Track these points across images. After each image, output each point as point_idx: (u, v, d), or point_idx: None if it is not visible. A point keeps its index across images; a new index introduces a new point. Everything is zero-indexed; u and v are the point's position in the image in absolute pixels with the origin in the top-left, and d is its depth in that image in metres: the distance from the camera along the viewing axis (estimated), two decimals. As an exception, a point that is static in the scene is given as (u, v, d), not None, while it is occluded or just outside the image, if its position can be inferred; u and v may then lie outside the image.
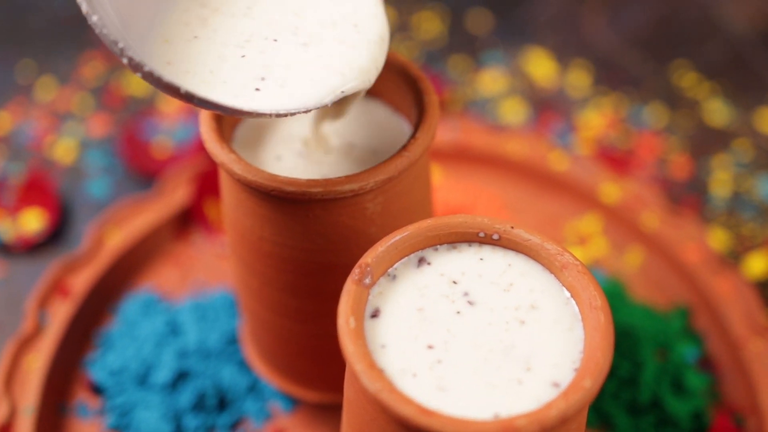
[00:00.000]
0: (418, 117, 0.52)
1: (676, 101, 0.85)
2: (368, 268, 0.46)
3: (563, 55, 0.90)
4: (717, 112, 0.84)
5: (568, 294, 0.47)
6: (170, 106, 0.84)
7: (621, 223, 0.74)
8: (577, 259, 0.47)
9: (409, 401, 0.42)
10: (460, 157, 0.78)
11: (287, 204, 0.50)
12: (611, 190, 0.75)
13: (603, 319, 0.44)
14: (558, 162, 0.77)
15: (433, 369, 0.44)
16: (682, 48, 0.90)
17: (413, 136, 0.51)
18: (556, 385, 0.44)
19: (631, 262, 0.72)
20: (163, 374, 0.63)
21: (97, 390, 0.65)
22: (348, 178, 0.49)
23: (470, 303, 0.46)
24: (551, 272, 0.47)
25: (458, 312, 0.46)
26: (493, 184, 0.78)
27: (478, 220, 0.48)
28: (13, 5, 0.95)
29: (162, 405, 0.62)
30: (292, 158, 0.53)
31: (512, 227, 0.48)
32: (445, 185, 0.77)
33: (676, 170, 0.79)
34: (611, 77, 0.87)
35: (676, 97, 0.86)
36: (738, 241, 0.74)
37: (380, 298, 0.46)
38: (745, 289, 0.68)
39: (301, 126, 0.55)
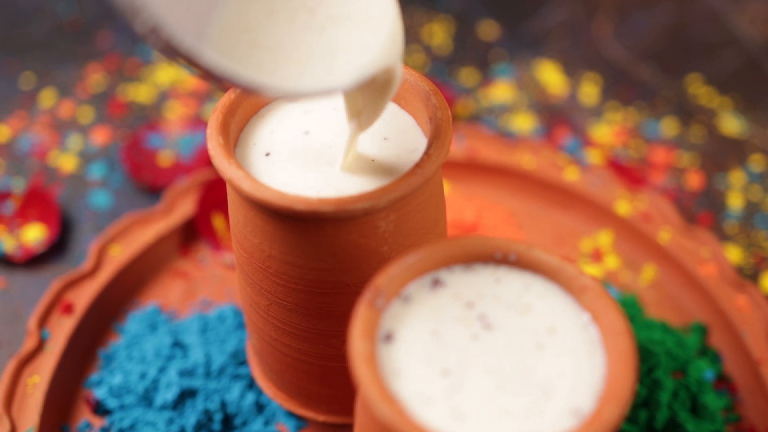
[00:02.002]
0: (432, 132, 0.50)
1: (689, 114, 0.84)
2: (381, 290, 0.45)
3: (573, 67, 0.88)
4: (731, 124, 0.83)
5: (587, 317, 0.45)
6: (175, 114, 0.83)
7: (634, 237, 0.72)
8: (596, 281, 0.45)
9: (423, 430, 0.40)
10: (470, 169, 0.77)
11: (297, 222, 0.49)
12: (624, 204, 0.73)
13: (625, 344, 0.43)
14: (570, 175, 0.75)
15: (448, 395, 0.43)
16: (694, 60, 0.89)
17: (426, 152, 0.49)
18: (576, 412, 0.42)
19: (646, 277, 0.71)
20: (167, 393, 0.62)
21: (99, 409, 0.63)
22: (360, 197, 0.47)
23: (486, 327, 0.45)
24: (570, 294, 0.46)
25: (474, 336, 0.44)
26: (503, 197, 0.76)
27: (494, 241, 0.47)
28: (15, 12, 0.94)
29: (166, 425, 0.61)
30: (283, 157, 0.52)
31: (530, 248, 0.46)
32: (455, 198, 0.75)
33: (690, 184, 0.78)
34: (622, 90, 0.86)
35: (689, 110, 0.84)
36: (754, 256, 0.73)
37: (393, 321, 0.45)
38: (764, 306, 0.66)
39: (292, 123, 0.53)
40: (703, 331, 0.67)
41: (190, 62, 0.43)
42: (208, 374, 0.63)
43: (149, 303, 0.69)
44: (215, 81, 0.44)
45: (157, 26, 0.41)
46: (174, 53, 0.42)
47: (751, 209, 0.76)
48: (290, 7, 0.48)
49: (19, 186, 0.77)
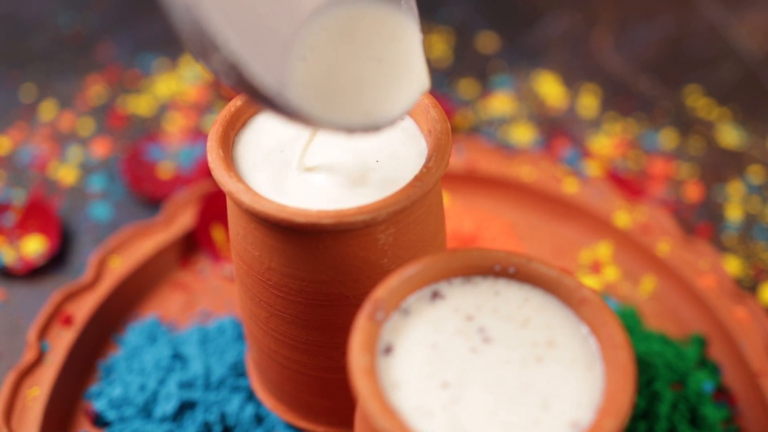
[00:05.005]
0: (431, 145, 0.51)
1: (688, 125, 0.84)
2: (380, 303, 0.45)
3: (572, 78, 0.89)
4: (730, 136, 0.83)
5: (586, 330, 0.45)
6: (175, 126, 0.83)
7: (633, 249, 0.72)
8: (595, 294, 0.45)
9: (423, 443, 0.40)
10: (469, 181, 0.77)
11: (297, 235, 0.49)
12: (623, 215, 0.73)
13: (624, 357, 0.43)
14: (569, 187, 0.75)
15: (447, 408, 0.43)
16: (693, 71, 0.89)
17: (426, 165, 0.49)
18: (575, 425, 0.42)
19: (645, 289, 0.71)
20: (167, 405, 0.62)
21: (99, 421, 0.63)
22: (360, 209, 0.47)
23: (486, 340, 0.45)
24: (569, 307, 0.46)
25: (474, 349, 0.44)
26: (502, 209, 0.76)
27: (493, 253, 0.47)
28: (16, 24, 0.94)
29: (166, 437, 0.61)
30: (266, 169, 0.52)
31: (529, 260, 0.46)
32: (454, 210, 0.75)
33: (689, 195, 0.78)
34: (621, 101, 0.86)
35: (688, 122, 0.84)
36: (753, 268, 0.73)
37: (393, 334, 0.45)
38: (763, 318, 0.66)
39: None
40: (702, 342, 0.67)
41: (266, 101, 0.43)
42: (207, 386, 0.63)
43: (149, 315, 0.69)
44: (288, 118, 0.44)
45: (237, 65, 0.40)
46: (251, 92, 0.42)
47: (750, 221, 0.76)
48: (361, 52, 0.49)
49: (19, 198, 0.77)
